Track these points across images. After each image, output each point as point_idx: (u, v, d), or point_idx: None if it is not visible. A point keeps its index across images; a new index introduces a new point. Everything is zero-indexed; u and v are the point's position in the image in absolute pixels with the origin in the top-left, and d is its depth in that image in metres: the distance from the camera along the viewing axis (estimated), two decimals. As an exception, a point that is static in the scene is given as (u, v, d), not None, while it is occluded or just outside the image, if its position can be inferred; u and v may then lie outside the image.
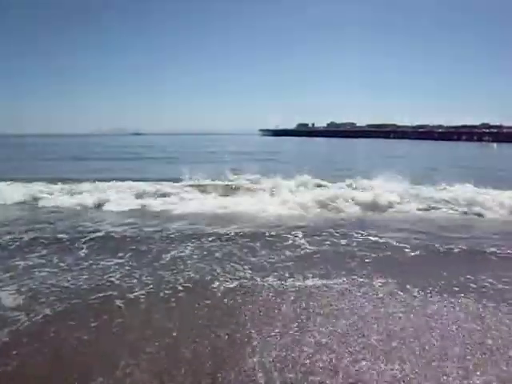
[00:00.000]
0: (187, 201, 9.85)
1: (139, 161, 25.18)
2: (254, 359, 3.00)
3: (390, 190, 10.07)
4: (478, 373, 2.82)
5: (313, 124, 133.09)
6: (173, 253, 5.73)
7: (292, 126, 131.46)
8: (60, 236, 6.67)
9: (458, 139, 73.52)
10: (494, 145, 55.47)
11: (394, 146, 53.78)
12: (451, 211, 9.04)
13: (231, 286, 4.45)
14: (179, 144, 56.21)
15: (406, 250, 5.90)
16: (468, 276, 4.76)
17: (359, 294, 4.21)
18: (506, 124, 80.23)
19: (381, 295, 4.18)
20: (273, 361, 2.98)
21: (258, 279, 4.65)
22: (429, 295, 4.22)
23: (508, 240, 6.56)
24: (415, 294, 4.22)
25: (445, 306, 3.92)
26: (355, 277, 4.73)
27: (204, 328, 3.49)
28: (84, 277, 4.78)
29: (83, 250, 5.93)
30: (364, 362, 2.96)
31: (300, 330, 3.44)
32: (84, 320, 3.68)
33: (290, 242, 6.35)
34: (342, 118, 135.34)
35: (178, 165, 16.72)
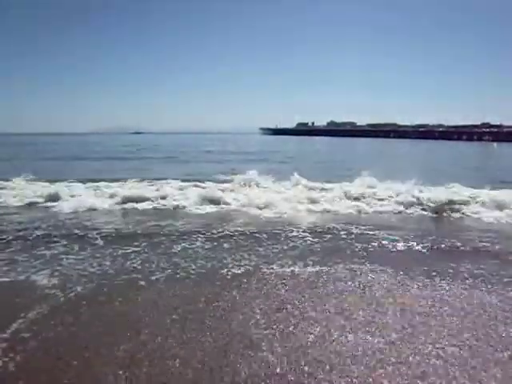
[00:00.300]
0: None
1: (139, 160, 25.04)
2: (258, 330, 3.48)
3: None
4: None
5: (313, 123, 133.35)
6: (184, 244, 6.22)
7: (292, 125, 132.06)
8: (75, 231, 6.98)
9: (459, 139, 73.80)
10: (495, 144, 55.78)
11: (396, 145, 53.89)
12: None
13: (238, 271, 4.97)
14: (178, 143, 56.06)
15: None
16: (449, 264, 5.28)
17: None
18: (506, 123, 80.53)
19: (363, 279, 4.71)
20: (275, 334, 3.45)
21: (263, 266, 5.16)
22: (412, 279, 4.75)
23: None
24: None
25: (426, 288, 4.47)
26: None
27: (214, 304, 4.00)
28: (107, 262, 5.28)
29: (98, 241, 6.37)
30: (349, 334, 3.45)
31: (296, 309, 3.92)
32: (113, 296, 4.17)
33: (293, 234, 6.90)
34: (342, 118, 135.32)
35: (175, 164, 17.07)
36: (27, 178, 11.90)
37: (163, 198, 9.95)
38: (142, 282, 4.57)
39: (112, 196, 10.02)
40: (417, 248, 6.17)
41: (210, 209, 9.25)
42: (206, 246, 6.14)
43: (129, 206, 9.47)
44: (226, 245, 6.22)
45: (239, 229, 7.25)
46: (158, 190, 10.72)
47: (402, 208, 9.33)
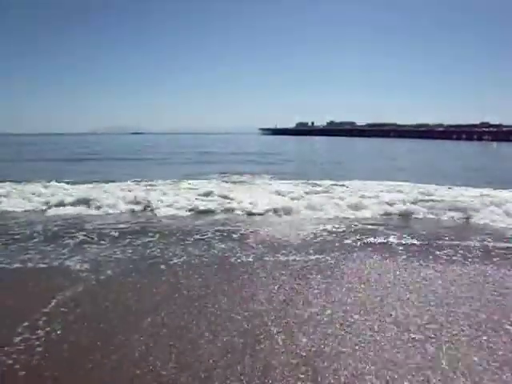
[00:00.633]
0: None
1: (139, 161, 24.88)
2: (262, 307, 3.84)
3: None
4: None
5: (312, 123, 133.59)
6: (196, 236, 6.51)
7: (291, 124, 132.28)
8: (87, 226, 7.12)
9: (458, 138, 74.04)
10: (494, 144, 55.98)
11: (401, 145, 54.01)
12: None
13: (247, 260, 5.27)
14: (176, 144, 55.76)
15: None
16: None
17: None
18: (505, 123, 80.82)
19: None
20: (277, 311, 3.74)
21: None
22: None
23: None
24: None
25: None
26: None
27: (225, 284, 4.43)
28: (129, 250, 5.70)
29: (114, 233, 6.61)
30: (341, 312, 3.71)
31: (295, 290, 4.22)
32: (140, 277, 4.64)
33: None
34: (341, 117, 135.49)
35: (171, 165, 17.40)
36: None
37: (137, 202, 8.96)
38: (163, 266, 4.99)
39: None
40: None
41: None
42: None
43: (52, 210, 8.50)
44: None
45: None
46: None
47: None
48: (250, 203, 8.67)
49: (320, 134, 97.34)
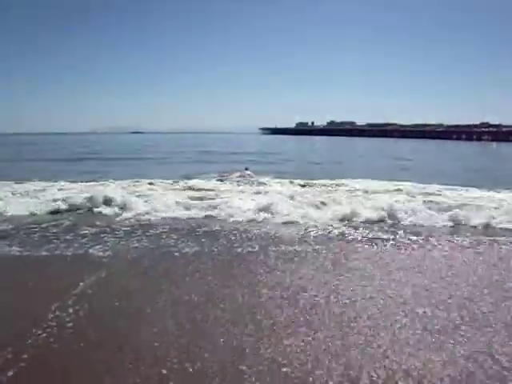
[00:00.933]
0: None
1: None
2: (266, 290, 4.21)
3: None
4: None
5: (312, 123, 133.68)
6: (205, 228, 6.87)
7: (292, 124, 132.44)
8: (98, 223, 7.28)
9: (458, 138, 74.36)
10: (494, 144, 56.15)
11: (401, 145, 54.20)
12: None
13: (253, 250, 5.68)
14: (176, 143, 55.43)
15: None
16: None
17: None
18: (505, 123, 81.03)
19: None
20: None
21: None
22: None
23: None
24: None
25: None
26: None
27: (232, 270, 4.88)
28: (145, 240, 6.10)
29: (126, 228, 6.83)
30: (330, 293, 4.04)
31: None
32: (157, 261, 5.16)
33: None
34: (341, 117, 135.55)
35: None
36: None
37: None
38: (177, 254, 5.46)
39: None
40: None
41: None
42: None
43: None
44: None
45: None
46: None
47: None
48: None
49: (320, 134, 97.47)
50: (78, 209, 8.27)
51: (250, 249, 5.62)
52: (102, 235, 6.28)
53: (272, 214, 7.67)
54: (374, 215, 7.52)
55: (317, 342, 3.18)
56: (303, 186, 11.92)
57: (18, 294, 4.14)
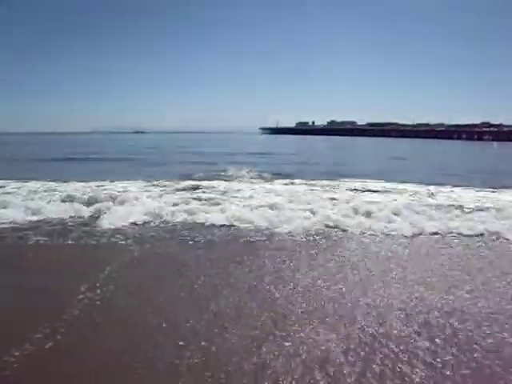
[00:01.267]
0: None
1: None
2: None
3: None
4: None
5: (313, 122, 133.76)
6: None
7: (292, 124, 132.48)
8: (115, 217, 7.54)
9: (459, 138, 74.51)
10: (495, 144, 56.14)
11: (402, 145, 54.16)
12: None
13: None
14: (177, 143, 54.62)
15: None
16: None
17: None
18: (506, 123, 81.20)
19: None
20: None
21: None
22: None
23: None
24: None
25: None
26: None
27: (233, 257, 5.26)
28: (160, 228, 6.73)
29: (144, 221, 7.18)
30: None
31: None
32: (174, 247, 5.79)
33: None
34: (342, 117, 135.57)
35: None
36: None
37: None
38: (191, 242, 6.00)
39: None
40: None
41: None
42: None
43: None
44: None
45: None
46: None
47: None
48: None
49: (321, 134, 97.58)
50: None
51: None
52: (123, 227, 6.66)
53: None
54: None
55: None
56: (355, 189, 11.20)
57: (53, 276, 4.53)
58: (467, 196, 10.23)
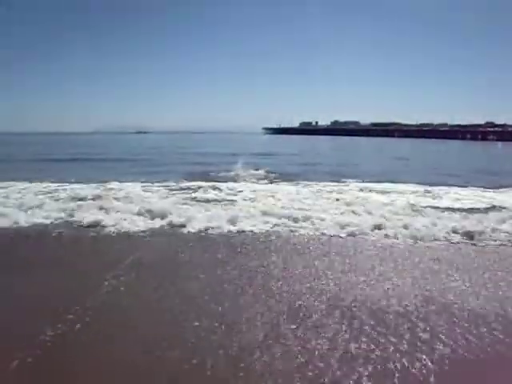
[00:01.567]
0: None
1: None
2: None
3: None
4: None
5: (316, 122, 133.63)
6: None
7: (295, 124, 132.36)
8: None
9: (463, 138, 74.05)
10: (499, 144, 55.82)
11: (407, 145, 53.98)
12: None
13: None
14: (178, 144, 54.59)
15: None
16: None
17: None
18: (510, 123, 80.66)
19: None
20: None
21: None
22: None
23: None
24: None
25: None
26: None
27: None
28: (168, 228, 6.97)
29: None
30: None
31: None
32: (192, 241, 6.13)
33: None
34: (345, 117, 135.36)
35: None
36: None
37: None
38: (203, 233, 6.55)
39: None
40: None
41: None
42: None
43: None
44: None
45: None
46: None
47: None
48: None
49: (324, 134, 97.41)
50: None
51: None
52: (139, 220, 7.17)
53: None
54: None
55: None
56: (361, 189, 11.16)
57: (81, 263, 5.08)
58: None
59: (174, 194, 10.04)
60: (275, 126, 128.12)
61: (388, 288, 4.29)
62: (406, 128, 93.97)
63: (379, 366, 2.86)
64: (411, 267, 4.97)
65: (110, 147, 42.22)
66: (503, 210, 8.08)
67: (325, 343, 3.16)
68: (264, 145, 46.16)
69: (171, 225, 6.89)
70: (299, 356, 2.99)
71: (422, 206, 8.41)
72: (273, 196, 9.72)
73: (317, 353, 3.03)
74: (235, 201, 9.08)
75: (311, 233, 6.50)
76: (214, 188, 10.93)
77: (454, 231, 6.45)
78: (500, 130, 75.08)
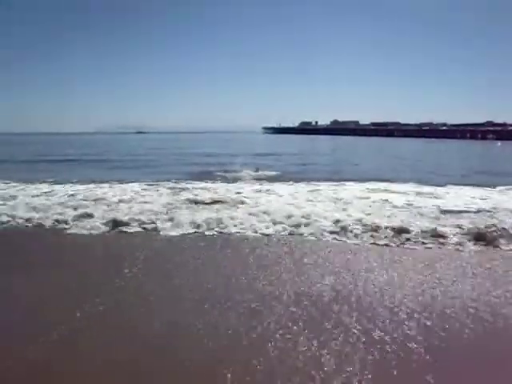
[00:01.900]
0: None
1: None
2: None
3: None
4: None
5: (316, 122, 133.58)
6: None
7: (295, 123, 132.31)
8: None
9: (462, 137, 73.88)
10: (499, 143, 55.79)
11: (406, 145, 54.00)
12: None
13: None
14: (179, 144, 54.40)
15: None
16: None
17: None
18: (509, 122, 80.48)
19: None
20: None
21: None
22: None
23: None
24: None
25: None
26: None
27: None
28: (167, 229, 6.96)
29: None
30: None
31: None
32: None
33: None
34: (345, 116, 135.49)
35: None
36: None
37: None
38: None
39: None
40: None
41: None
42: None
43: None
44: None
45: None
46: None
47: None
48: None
49: (324, 134, 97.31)
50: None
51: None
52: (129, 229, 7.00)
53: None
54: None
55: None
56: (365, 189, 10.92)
57: (81, 264, 5.16)
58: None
59: (172, 195, 10.03)
60: (275, 126, 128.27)
61: (384, 290, 4.27)
62: (406, 127, 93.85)
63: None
64: (413, 269, 4.93)
65: (114, 147, 42.32)
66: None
67: (325, 343, 3.21)
68: (264, 145, 46.21)
69: (168, 226, 6.86)
70: (300, 358, 3.03)
71: (422, 206, 8.40)
72: (272, 196, 9.75)
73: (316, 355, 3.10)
74: (235, 201, 9.01)
75: (311, 233, 6.50)
76: (211, 188, 10.96)
77: (457, 233, 6.37)
78: (499, 129, 74.93)
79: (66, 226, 6.91)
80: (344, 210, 8.01)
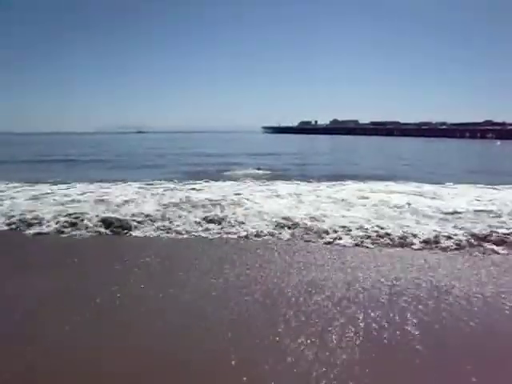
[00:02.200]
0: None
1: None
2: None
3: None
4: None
5: (315, 121, 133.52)
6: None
7: (294, 123, 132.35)
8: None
9: (462, 136, 73.96)
10: (498, 142, 55.89)
11: (405, 144, 54.02)
12: None
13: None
14: (180, 144, 54.19)
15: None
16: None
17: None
18: (509, 121, 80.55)
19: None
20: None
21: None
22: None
23: None
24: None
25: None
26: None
27: None
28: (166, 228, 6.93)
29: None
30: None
31: None
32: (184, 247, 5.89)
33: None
34: (344, 116, 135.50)
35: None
36: None
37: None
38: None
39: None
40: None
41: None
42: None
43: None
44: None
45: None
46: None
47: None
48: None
49: (323, 133, 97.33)
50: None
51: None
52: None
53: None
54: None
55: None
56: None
57: (81, 264, 5.14)
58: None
59: (172, 195, 9.97)
60: (275, 125, 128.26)
61: (387, 294, 4.23)
62: (405, 127, 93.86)
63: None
64: (413, 272, 4.92)
65: (114, 147, 42.19)
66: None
67: (325, 344, 3.22)
68: (263, 144, 46.17)
69: (167, 226, 6.81)
70: (300, 358, 3.03)
71: (422, 207, 8.36)
72: (271, 196, 9.70)
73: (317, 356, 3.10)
74: (234, 201, 8.97)
75: (311, 234, 6.45)
76: (211, 188, 10.93)
77: (458, 233, 6.32)
78: (499, 128, 74.98)
79: (66, 227, 6.86)
80: (344, 210, 7.98)
